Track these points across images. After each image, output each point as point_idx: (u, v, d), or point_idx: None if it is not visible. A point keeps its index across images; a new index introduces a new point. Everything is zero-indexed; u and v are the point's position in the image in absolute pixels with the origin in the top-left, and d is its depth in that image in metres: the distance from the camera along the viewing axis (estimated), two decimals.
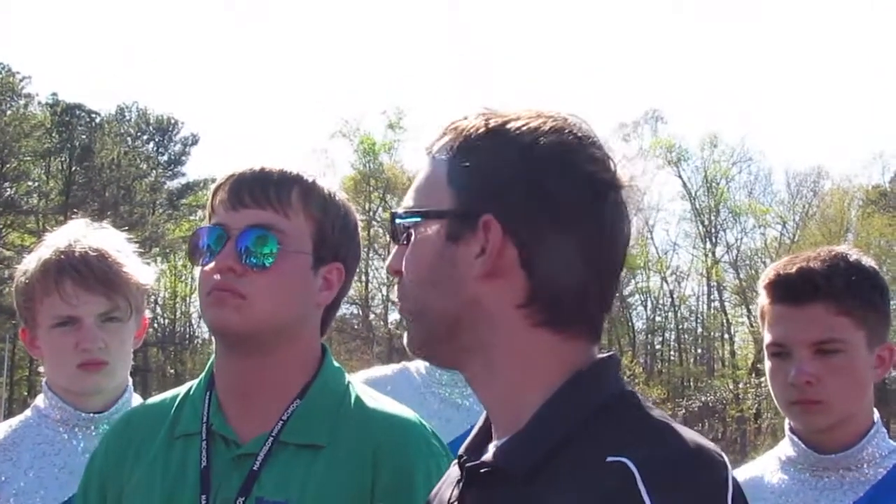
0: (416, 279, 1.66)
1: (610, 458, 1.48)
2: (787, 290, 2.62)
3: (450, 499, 1.69)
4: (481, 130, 1.65)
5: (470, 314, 1.63)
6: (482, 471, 1.61)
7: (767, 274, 2.70)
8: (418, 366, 3.33)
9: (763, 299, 2.70)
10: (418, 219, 1.67)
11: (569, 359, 1.63)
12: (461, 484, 1.65)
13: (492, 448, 1.65)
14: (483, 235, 1.60)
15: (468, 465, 1.64)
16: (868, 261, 2.69)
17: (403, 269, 1.68)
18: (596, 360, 1.65)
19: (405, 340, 1.73)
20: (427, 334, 1.68)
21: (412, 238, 1.67)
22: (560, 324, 1.63)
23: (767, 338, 2.67)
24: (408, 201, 1.71)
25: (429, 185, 1.69)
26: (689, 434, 1.54)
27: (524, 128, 1.63)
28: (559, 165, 1.61)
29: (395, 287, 1.73)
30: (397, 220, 1.70)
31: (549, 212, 1.60)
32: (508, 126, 1.64)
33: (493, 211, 1.60)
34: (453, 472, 1.77)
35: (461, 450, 1.72)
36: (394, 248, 1.72)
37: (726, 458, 1.53)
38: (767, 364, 2.69)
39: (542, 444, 1.57)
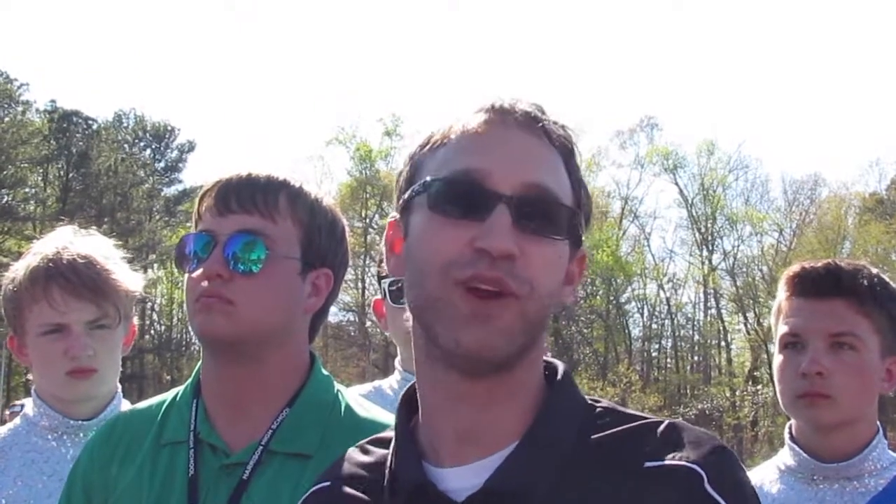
0: (551, 287, 1.56)
1: (650, 464, 1.51)
2: (811, 282, 2.65)
3: None
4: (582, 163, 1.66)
5: (544, 330, 1.61)
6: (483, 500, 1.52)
7: (790, 269, 2.74)
8: (391, 383, 3.46)
9: (782, 294, 2.72)
10: (575, 222, 1.59)
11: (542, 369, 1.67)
12: None
13: (460, 474, 1.56)
14: (572, 264, 1.63)
15: (470, 496, 1.53)
16: (889, 279, 2.73)
17: (540, 272, 1.53)
18: (559, 372, 1.66)
19: (482, 337, 1.50)
20: (527, 343, 1.55)
21: (568, 235, 1.58)
22: None
23: (783, 329, 2.68)
24: (556, 188, 1.57)
25: (564, 183, 1.60)
26: (697, 428, 1.58)
27: None
28: None
29: (501, 268, 1.50)
30: (558, 208, 1.56)
31: None
32: None
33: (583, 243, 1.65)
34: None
35: (409, 480, 1.59)
36: (507, 224, 1.51)
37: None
38: (778, 358, 2.70)
39: (551, 459, 1.54)
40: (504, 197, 1.52)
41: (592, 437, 1.56)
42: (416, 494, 1.57)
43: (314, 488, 1.77)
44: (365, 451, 1.74)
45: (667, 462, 1.50)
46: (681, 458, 1.50)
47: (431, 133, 1.63)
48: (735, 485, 1.52)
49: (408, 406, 1.68)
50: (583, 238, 1.64)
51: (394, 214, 1.69)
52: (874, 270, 2.70)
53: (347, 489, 1.69)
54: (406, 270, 1.61)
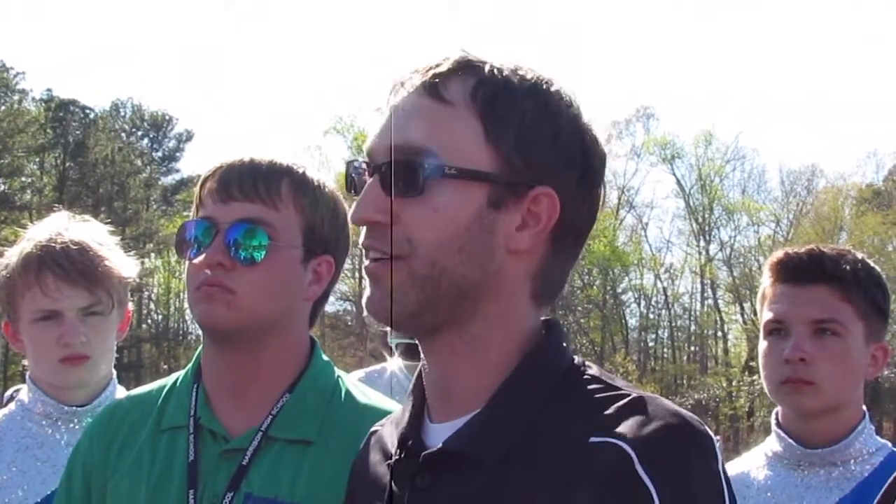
0: (439, 241, 1.53)
1: (594, 439, 1.45)
2: (794, 268, 2.65)
3: (391, 483, 1.63)
4: (522, 85, 1.58)
5: (487, 284, 1.56)
6: (439, 458, 1.55)
7: (774, 255, 2.74)
8: (400, 365, 3.44)
9: (766, 280, 2.73)
10: (449, 174, 1.53)
11: (533, 330, 1.62)
12: (415, 472, 1.58)
13: (441, 430, 1.59)
14: (529, 207, 1.56)
15: (426, 453, 1.56)
16: (874, 264, 2.72)
17: (418, 230, 1.53)
18: (547, 333, 1.63)
19: (373, 298, 1.56)
20: (427, 300, 1.54)
21: (430, 192, 1.53)
22: (548, 296, 1.64)
23: (767, 316, 2.68)
24: (422, 143, 1.53)
25: (455, 135, 1.54)
26: (667, 405, 1.50)
27: (561, 93, 1.60)
28: (596, 141, 1.62)
29: (373, 236, 1.56)
30: (411, 165, 1.52)
31: (590, 188, 1.61)
32: (545, 87, 1.59)
33: (554, 185, 1.56)
34: (380, 445, 1.73)
35: (400, 432, 1.65)
36: (373, 193, 1.55)
37: (707, 428, 1.50)
38: (762, 345, 2.70)
39: (509, 426, 1.53)
40: (374, 167, 1.57)
41: (560, 403, 1.54)
42: (402, 445, 1.62)
43: (372, 428, 1.85)
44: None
45: (607, 438, 1.44)
46: (618, 437, 1.44)
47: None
48: (676, 467, 1.43)
49: None
50: (527, 177, 1.55)
51: None
52: (859, 256, 2.70)
53: (384, 434, 1.76)
54: None
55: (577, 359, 1.63)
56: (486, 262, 1.55)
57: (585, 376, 1.58)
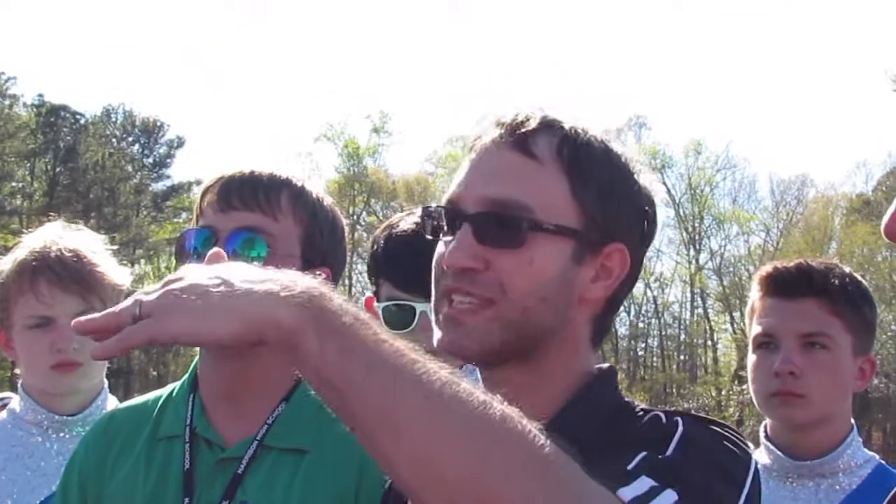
0: (530, 289, 1.63)
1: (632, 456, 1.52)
2: (783, 283, 2.68)
3: None
4: (601, 148, 1.70)
5: (562, 330, 1.67)
6: None
7: (763, 269, 2.77)
8: None
9: (755, 294, 2.75)
10: (547, 229, 1.63)
11: (591, 369, 1.73)
12: None
13: None
14: (603, 261, 1.68)
15: None
16: (861, 278, 2.75)
17: (510, 278, 1.63)
18: (604, 373, 1.74)
19: (453, 339, 1.65)
20: (510, 341, 1.64)
21: (529, 245, 1.63)
22: (600, 339, 1.76)
23: (756, 329, 2.70)
24: (520, 198, 1.63)
25: (547, 192, 1.65)
26: (718, 427, 1.59)
27: (630, 157, 1.73)
28: (654, 202, 1.76)
29: (463, 280, 1.64)
30: (510, 219, 1.63)
31: (647, 246, 1.76)
32: (619, 151, 1.72)
33: (625, 241, 1.69)
34: None
35: None
36: (467, 241, 1.64)
37: (751, 451, 1.59)
38: (751, 358, 2.72)
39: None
40: (467, 216, 1.65)
41: (613, 427, 1.62)
42: None
43: None
44: None
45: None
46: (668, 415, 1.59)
47: (466, 142, 1.77)
48: (698, 447, 1.53)
49: None
50: (606, 234, 1.67)
51: None
52: (846, 269, 2.72)
53: None
54: None
55: (627, 398, 1.73)
56: (564, 309, 1.67)
57: (639, 411, 1.67)
